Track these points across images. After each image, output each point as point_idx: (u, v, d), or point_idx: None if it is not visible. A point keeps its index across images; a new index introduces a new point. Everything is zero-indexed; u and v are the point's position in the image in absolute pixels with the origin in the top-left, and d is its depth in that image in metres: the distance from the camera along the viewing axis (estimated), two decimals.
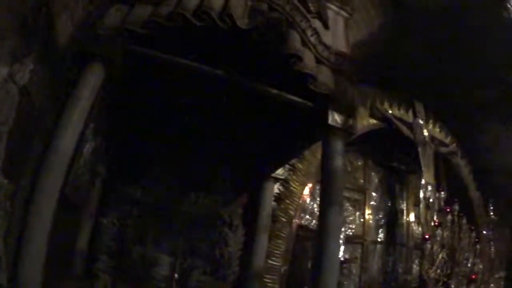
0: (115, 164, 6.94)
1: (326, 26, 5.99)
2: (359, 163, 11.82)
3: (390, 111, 11.14)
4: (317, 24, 5.87)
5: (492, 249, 11.02)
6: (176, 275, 7.07)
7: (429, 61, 10.23)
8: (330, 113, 5.66)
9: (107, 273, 7.04)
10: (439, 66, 10.38)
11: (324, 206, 5.73)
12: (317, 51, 5.64)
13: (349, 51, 6.22)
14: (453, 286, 9.37)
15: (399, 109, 11.39)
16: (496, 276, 10.49)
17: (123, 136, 6.76)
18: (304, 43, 5.54)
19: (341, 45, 6.11)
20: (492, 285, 10.14)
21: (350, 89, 6.09)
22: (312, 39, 5.64)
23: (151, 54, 5.12)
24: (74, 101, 4.48)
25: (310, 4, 5.86)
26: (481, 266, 10.11)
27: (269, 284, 8.31)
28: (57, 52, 4.35)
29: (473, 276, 9.55)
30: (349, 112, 5.84)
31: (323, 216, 5.68)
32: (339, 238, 6.08)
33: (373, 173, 12.09)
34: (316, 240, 6.08)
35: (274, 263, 8.46)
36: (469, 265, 9.76)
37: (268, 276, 8.26)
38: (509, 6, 6.77)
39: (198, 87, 5.97)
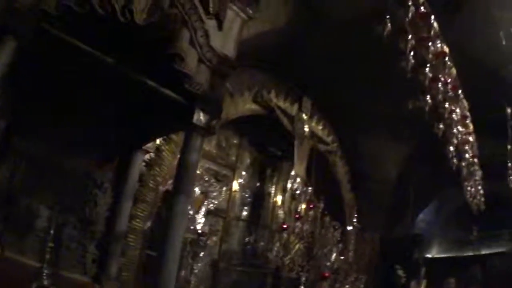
0: (13, 120, 7.10)
1: (220, 27, 6.43)
2: (235, 141, 12.25)
3: (275, 101, 11.65)
4: (211, 24, 6.29)
5: (351, 253, 11.77)
6: (51, 229, 7.21)
7: (329, 64, 10.88)
8: (196, 111, 6.15)
9: None
10: (339, 71, 11.11)
11: (174, 193, 6.29)
12: (202, 52, 6.09)
13: (235, 54, 6.67)
14: (304, 278, 9.99)
15: (284, 101, 11.95)
16: (353, 278, 11.10)
17: (21, 97, 6.99)
18: (192, 42, 5.97)
19: (229, 48, 6.58)
20: (347, 286, 10.73)
21: (222, 92, 6.68)
22: (201, 40, 6.07)
23: (58, 34, 5.41)
24: None
25: (211, 5, 6.24)
26: (342, 266, 10.75)
27: (132, 243, 8.84)
28: None
29: (326, 274, 10.03)
30: (214, 114, 6.37)
31: (172, 201, 6.25)
32: (185, 224, 6.58)
33: (246, 153, 12.59)
34: (164, 222, 6.69)
35: (138, 224, 8.99)
36: (328, 263, 10.25)
37: (131, 236, 8.78)
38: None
39: (91, 67, 6.26)
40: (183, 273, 9.52)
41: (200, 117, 6.21)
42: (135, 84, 6.36)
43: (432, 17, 6.55)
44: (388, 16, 6.33)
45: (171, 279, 6.10)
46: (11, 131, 7.19)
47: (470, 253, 19.21)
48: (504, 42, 8.31)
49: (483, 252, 18.87)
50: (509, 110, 8.76)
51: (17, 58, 4.98)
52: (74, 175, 7.90)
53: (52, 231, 7.14)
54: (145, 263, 9.25)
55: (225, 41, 6.58)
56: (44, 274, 6.76)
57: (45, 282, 6.66)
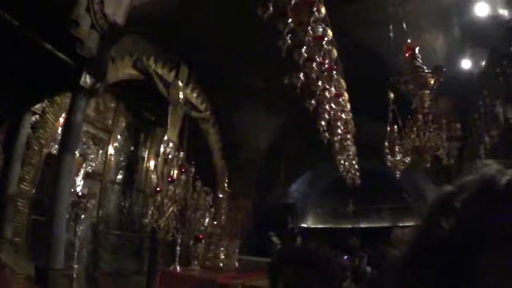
0: None
1: None
2: (112, 105, 12.45)
3: (154, 67, 11.90)
4: None
5: (223, 217, 11.91)
6: None
7: (209, 35, 11.29)
8: (84, 75, 6.46)
9: None
10: (218, 43, 11.53)
11: (61, 152, 6.64)
12: (96, 18, 6.35)
13: (124, 21, 7.00)
14: (179, 240, 10.26)
15: (162, 68, 12.24)
16: (227, 242, 11.17)
17: None
18: (88, 9, 6.22)
19: (119, 16, 6.88)
20: (222, 249, 10.81)
21: (108, 57, 7.07)
22: (96, 7, 6.31)
23: None
24: None
25: None
26: (215, 230, 11.10)
27: (21, 207, 8.90)
28: None
29: (200, 236, 10.28)
30: (100, 77, 6.70)
31: (59, 159, 6.58)
32: (70, 183, 6.99)
33: (122, 117, 12.83)
34: (52, 181, 6.91)
35: (25, 188, 9.02)
36: (202, 227, 10.53)
37: (20, 199, 8.84)
38: None
39: None
40: (66, 235, 9.55)
41: (86, 79, 6.53)
42: (29, 44, 6.52)
43: (318, 4, 7.00)
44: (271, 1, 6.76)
45: (61, 241, 6.53)
46: None
47: (349, 226, 20.17)
48: (391, 34, 8.95)
49: (362, 225, 19.87)
50: (391, 95, 9.44)
51: None
52: None
53: None
54: (33, 227, 9.32)
55: (117, 9, 6.85)
56: None
57: None
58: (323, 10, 7.15)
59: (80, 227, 9.90)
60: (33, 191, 9.35)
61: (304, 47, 6.92)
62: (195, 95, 13.40)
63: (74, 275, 8.70)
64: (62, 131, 7.25)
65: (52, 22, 6.16)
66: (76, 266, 9.10)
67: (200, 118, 13.66)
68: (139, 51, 11.45)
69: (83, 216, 9.85)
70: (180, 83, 12.61)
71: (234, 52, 11.76)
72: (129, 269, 12.10)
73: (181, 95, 12.53)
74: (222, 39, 11.32)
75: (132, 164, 13.22)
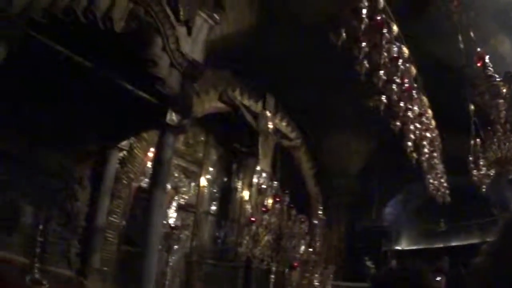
0: None
1: (189, 33, 6.78)
2: (201, 138, 12.57)
3: (240, 99, 12.03)
4: (181, 30, 6.64)
5: (318, 244, 11.80)
6: (39, 224, 7.34)
7: (291, 64, 11.36)
8: (169, 112, 6.51)
9: None
10: (300, 71, 11.62)
11: (152, 187, 6.66)
12: (173, 57, 6.43)
13: (203, 58, 7.02)
14: (274, 268, 10.23)
15: (249, 99, 12.36)
16: (322, 268, 11.23)
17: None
18: (164, 48, 6.33)
19: (198, 53, 6.93)
20: (316, 275, 10.81)
21: (192, 93, 7.08)
22: (172, 46, 6.41)
23: (40, 39, 5.68)
24: None
25: (181, 13, 6.59)
26: (311, 257, 10.95)
27: (110, 238, 9.16)
28: None
29: (295, 264, 10.24)
30: (185, 114, 6.73)
31: (150, 194, 6.63)
32: (162, 216, 7.32)
33: (213, 149, 12.90)
34: (143, 215, 7.02)
35: (115, 220, 9.31)
36: (297, 255, 10.43)
37: (109, 231, 9.08)
38: None
39: (71, 69, 6.48)
40: (159, 265, 9.60)
41: (172, 117, 6.55)
42: (113, 86, 6.65)
43: (390, 24, 6.86)
44: (342, 28, 6.66)
45: (152, 271, 6.46)
46: None
47: (440, 245, 19.67)
48: (462, 45, 8.75)
49: (453, 243, 19.35)
50: (472, 107, 9.16)
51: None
52: (55, 171, 8.04)
53: (41, 226, 7.31)
54: (122, 258, 9.51)
55: (194, 46, 6.90)
56: (36, 268, 6.92)
57: (37, 276, 6.84)
58: (395, 28, 7.03)
59: (173, 257, 9.96)
60: (123, 222, 9.63)
61: (382, 70, 6.82)
62: (284, 124, 13.41)
63: None
64: (152, 167, 7.20)
65: (132, 63, 6.24)
66: None
67: (291, 146, 13.65)
68: (223, 84, 11.65)
69: (176, 246, 9.94)
70: (268, 113, 12.69)
71: (318, 78, 11.81)
72: None
73: (270, 125, 12.63)
74: (304, 66, 11.37)
75: (225, 195, 13.22)
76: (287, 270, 10.28)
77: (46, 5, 5.31)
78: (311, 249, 11.05)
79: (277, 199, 11.12)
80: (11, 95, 7.18)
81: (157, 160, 6.80)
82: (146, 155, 9.99)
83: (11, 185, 7.59)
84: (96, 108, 7.76)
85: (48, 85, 7.25)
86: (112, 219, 9.23)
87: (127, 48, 6.16)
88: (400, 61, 7.11)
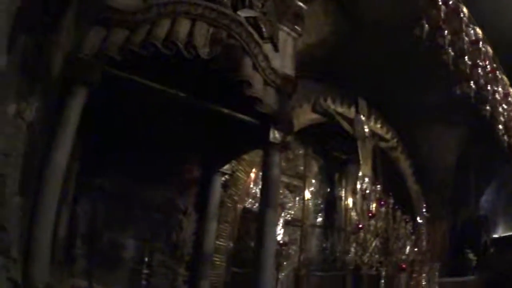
0: (86, 160, 7.32)
1: (276, 49, 6.60)
2: (300, 152, 12.29)
3: (333, 107, 11.75)
4: (267, 47, 6.47)
5: (424, 242, 11.51)
6: (143, 257, 7.61)
7: (376, 64, 10.97)
8: (271, 131, 6.34)
9: (84, 257, 7.52)
10: (386, 70, 11.13)
11: (263, 208, 6.47)
12: (266, 75, 6.27)
13: (294, 72, 6.83)
14: (384, 273, 9.95)
15: (341, 105, 12.03)
16: (428, 267, 10.79)
17: (94, 137, 7.22)
18: (255, 67, 6.16)
19: (288, 67, 6.74)
20: (424, 275, 10.44)
21: (290, 108, 6.97)
22: (263, 64, 6.25)
23: (124, 76, 5.67)
24: (64, 123, 5.05)
25: (263, 30, 6.42)
26: (417, 256, 10.58)
27: (218, 262, 9.04)
28: (52, 83, 5.01)
29: (404, 266, 9.91)
30: (287, 130, 6.55)
31: (261, 216, 6.43)
32: (275, 235, 7.05)
33: (313, 161, 12.62)
34: (256, 236, 6.83)
35: (222, 243, 9.18)
36: (403, 256, 10.19)
37: (217, 255, 8.96)
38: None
39: (162, 102, 6.65)
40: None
41: (275, 135, 6.41)
42: (209, 112, 6.68)
43: (461, 8, 6.55)
44: (423, 20, 6.34)
45: None
46: (88, 170, 7.42)
47: None
48: None
49: None
50: None
51: (89, 104, 5.29)
52: (158, 204, 8.17)
53: (146, 259, 7.50)
54: (230, 281, 9.40)
55: (283, 61, 6.73)
56: None
57: None
58: (465, 10, 6.70)
59: (282, 274, 9.86)
60: (230, 245, 9.53)
61: (466, 55, 6.48)
62: (379, 125, 12.98)
63: None
64: (261, 188, 7.13)
65: (226, 87, 6.22)
66: None
67: (389, 147, 13.24)
68: (314, 95, 11.49)
69: (285, 263, 9.84)
70: (362, 117, 12.31)
71: (403, 74, 11.40)
72: None
73: (366, 129, 12.24)
74: (387, 65, 10.99)
75: (330, 205, 12.99)
76: (394, 273, 9.97)
77: (121, 43, 5.33)
78: (416, 249, 10.72)
79: (382, 203, 10.92)
80: (108, 135, 7.31)
81: (265, 180, 6.67)
82: (248, 176, 9.97)
83: (113, 223, 7.76)
84: (196, 137, 7.93)
85: (144, 120, 7.42)
86: (219, 243, 9.15)
87: (218, 73, 6.08)
88: (480, 43, 6.79)
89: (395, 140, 13.42)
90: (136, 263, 7.73)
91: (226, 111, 6.55)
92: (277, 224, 7.15)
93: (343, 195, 13.11)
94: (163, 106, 6.84)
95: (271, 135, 6.39)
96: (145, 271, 7.43)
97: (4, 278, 4.20)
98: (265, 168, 6.68)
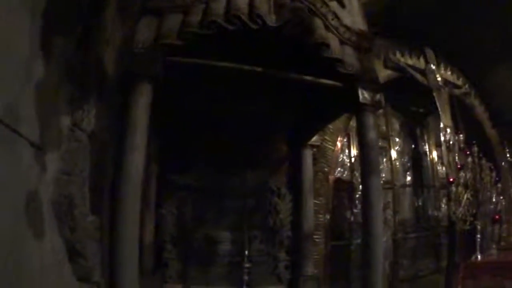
0: (165, 159, 7.15)
1: (342, 5, 6.00)
2: (380, 111, 11.39)
3: (403, 60, 11.09)
4: (334, 5, 5.87)
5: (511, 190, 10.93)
6: (242, 249, 7.33)
7: (437, 10, 10.33)
8: (360, 91, 5.79)
9: (176, 259, 7.27)
10: (448, 14, 10.42)
11: (365, 175, 5.98)
12: (340, 33, 5.71)
13: (366, 26, 6.27)
14: (479, 226, 9.48)
15: (411, 57, 11.36)
16: None
17: (168, 133, 6.98)
18: (327, 28, 5.61)
19: (359, 22, 6.16)
20: None
21: (373, 64, 6.33)
22: (334, 22, 5.69)
23: (189, 62, 5.20)
24: (132, 124, 4.60)
25: None
26: (503, 204, 10.19)
27: (317, 239, 8.62)
28: (108, 85, 4.52)
29: (497, 216, 9.60)
30: (375, 88, 5.98)
31: (365, 184, 5.96)
32: (381, 201, 6.32)
33: (393, 120, 11.97)
34: (362, 205, 6.56)
35: (319, 219, 8.78)
36: (492, 206, 9.80)
37: (316, 232, 8.56)
38: None
39: (235, 81, 6.19)
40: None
41: (364, 95, 5.89)
42: (290, 84, 6.40)
43: None
44: None
45: (379, 261, 5.83)
46: (169, 170, 7.35)
47: None
48: None
49: None
50: None
51: (158, 99, 4.92)
52: (249, 190, 7.85)
53: (246, 251, 7.17)
54: (330, 255, 8.99)
55: (352, 17, 6.16)
56: None
57: None
58: None
59: (383, 240, 9.14)
60: (327, 219, 9.14)
61: None
62: (449, 73, 12.17)
63: None
64: (359, 154, 6.96)
65: (303, 53, 5.77)
66: None
67: (462, 93, 12.38)
68: (382, 51, 10.90)
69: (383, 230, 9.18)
70: (432, 66, 11.58)
71: (463, 16, 10.61)
72: (427, 269, 11.09)
73: (438, 78, 11.51)
74: (447, 8, 10.34)
75: (416, 162, 12.29)
76: (487, 225, 9.75)
77: (177, 27, 4.93)
78: (502, 197, 10.41)
79: (467, 153, 10.47)
80: (184, 129, 7.24)
81: (362, 145, 6.17)
82: (335, 145, 9.56)
83: (203, 218, 7.55)
84: (280, 113, 7.70)
85: (221, 106, 7.21)
86: (317, 218, 8.70)
87: (290, 40, 5.56)
88: None
89: (467, 85, 12.63)
90: (234, 256, 7.45)
91: (308, 78, 6.01)
92: (381, 192, 6.51)
93: (427, 150, 12.51)
94: (239, 87, 6.46)
95: (360, 96, 5.85)
96: (246, 263, 7.05)
97: None
98: (360, 132, 6.16)
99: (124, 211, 4.35)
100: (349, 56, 5.72)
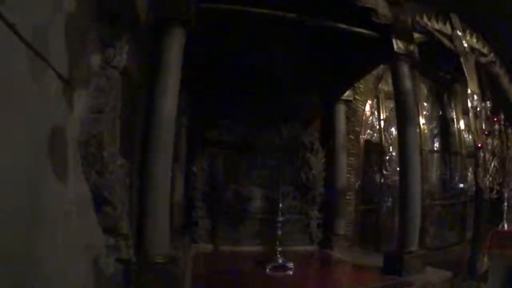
0: (195, 113, 7.10)
1: None
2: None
3: (430, 24, 10.44)
4: None
5: None
6: (272, 205, 7.15)
7: None
8: (394, 41, 5.88)
9: (206, 218, 7.22)
10: None
11: (401, 124, 6.06)
12: None
13: None
14: (506, 194, 9.45)
15: (437, 22, 10.66)
16: None
17: (199, 85, 6.89)
18: None
19: None
20: None
21: (405, 17, 6.52)
22: None
23: (223, 8, 5.10)
24: (165, 67, 4.49)
25: None
26: None
27: (348, 200, 8.53)
28: (140, 26, 4.39)
29: None
30: (409, 38, 6.20)
31: (402, 132, 6.03)
32: (418, 149, 6.35)
33: (422, 85, 11.70)
34: (399, 154, 6.33)
35: (350, 179, 8.69)
36: None
37: (348, 192, 8.50)
38: None
39: (268, 31, 6.05)
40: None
41: (399, 45, 5.98)
42: (324, 32, 6.19)
43: None
44: None
45: (416, 222, 5.97)
46: (199, 124, 7.39)
47: None
48: None
49: None
50: None
51: (189, 49, 4.82)
52: (281, 146, 7.80)
53: (281, 205, 6.73)
54: (360, 219, 9.01)
55: None
56: (278, 252, 6.35)
57: (280, 261, 6.28)
58: None
59: None
60: (358, 181, 9.10)
61: None
62: (475, 40, 11.69)
63: None
64: (395, 104, 6.61)
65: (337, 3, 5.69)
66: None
67: (488, 61, 11.86)
68: (409, 14, 10.38)
69: None
70: (459, 33, 11.01)
71: None
72: (453, 238, 11.12)
73: (465, 44, 10.90)
74: None
75: (444, 128, 12.16)
76: None
77: None
78: None
79: (495, 119, 10.16)
80: (216, 82, 7.14)
81: (398, 93, 6.28)
82: (365, 106, 9.38)
83: (235, 175, 7.57)
84: (314, 64, 7.44)
85: (253, 57, 6.94)
86: (348, 178, 8.62)
87: None
88: None
89: (492, 54, 12.24)
90: (265, 213, 7.43)
91: (342, 26, 5.95)
92: (418, 139, 6.56)
93: (454, 116, 12.36)
94: (273, 37, 6.34)
95: (395, 46, 5.95)
96: (279, 219, 6.62)
97: (111, 261, 3.62)
98: (396, 82, 6.26)
99: (156, 159, 4.26)
100: (382, 7, 5.76)
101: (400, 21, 6.10)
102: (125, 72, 3.75)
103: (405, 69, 6.15)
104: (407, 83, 6.17)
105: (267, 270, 6.07)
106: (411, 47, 6.19)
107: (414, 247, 5.83)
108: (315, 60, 7.35)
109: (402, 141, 6.03)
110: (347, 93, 8.33)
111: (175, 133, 4.75)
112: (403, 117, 6.05)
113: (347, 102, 8.48)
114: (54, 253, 2.59)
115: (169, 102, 4.42)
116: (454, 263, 10.42)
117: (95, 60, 3.37)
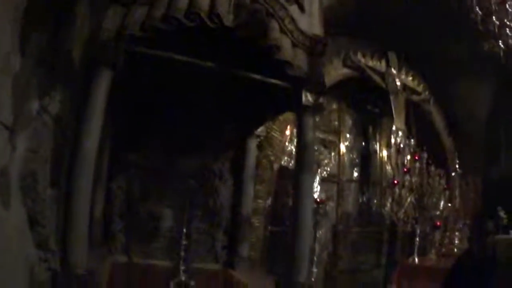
0: (119, 137, 7.40)
1: (302, 9, 6.26)
2: (334, 107, 12.12)
3: (363, 61, 11.48)
4: (293, 9, 6.14)
5: (457, 199, 11.78)
6: (180, 226, 7.60)
7: (405, 18, 10.74)
8: (304, 93, 6.09)
9: (121, 232, 7.60)
10: (416, 23, 10.90)
11: (298, 173, 6.27)
12: (294, 37, 5.98)
13: (323, 31, 6.53)
14: (419, 230, 10.00)
15: (372, 59, 11.75)
16: (461, 224, 11.14)
17: (124, 114, 7.30)
18: (282, 31, 5.88)
19: (316, 26, 6.44)
20: (457, 233, 10.88)
21: (321, 69, 6.57)
22: (290, 26, 5.96)
23: (149, 52, 5.48)
24: (89, 108, 4.86)
25: None
26: (450, 213, 10.88)
27: (256, 223, 9.07)
28: (74, 73, 4.90)
29: (438, 223, 10.10)
30: (319, 91, 6.27)
31: (297, 180, 6.23)
32: (312, 198, 7.03)
33: (347, 116, 12.36)
34: (292, 202, 6.76)
35: (259, 204, 9.22)
36: (437, 212, 10.31)
37: (255, 216, 8.98)
38: None
39: (189, 73, 6.47)
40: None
41: (307, 97, 6.18)
42: (240, 79, 6.54)
43: None
44: None
45: (306, 254, 6.19)
46: (121, 146, 7.62)
47: None
48: None
49: None
50: None
51: (117, 82, 5.13)
52: (194, 172, 8.14)
53: (185, 229, 7.44)
54: (268, 240, 9.58)
55: (310, 21, 6.41)
56: (181, 270, 7.03)
57: (183, 278, 6.93)
58: None
59: (320, 232, 9.94)
60: (268, 204, 9.65)
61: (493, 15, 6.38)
62: (410, 78, 12.66)
63: (313, 279, 9.10)
64: (296, 152, 6.97)
65: (254, 53, 5.98)
66: (315, 270, 9.42)
67: (421, 100, 12.92)
68: (344, 50, 11.37)
69: (322, 221, 9.97)
70: (393, 71, 12.06)
71: (431, 28, 11.15)
72: (367, 264, 11.74)
73: (397, 82, 12.00)
74: (415, 19, 10.87)
75: (365, 159, 12.83)
76: (429, 230, 10.32)
77: (141, 19, 5.15)
78: (450, 205, 11.02)
79: (416, 157, 11.03)
80: (139, 110, 7.52)
81: (300, 144, 6.44)
82: (283, 135, 9.98)
83: (149, 195, 7.84)
84: (229, 104, 7.87)
85: (174, 93, 7.41)
86: (256, 204, 9.14)
87: (245, 39, 5.77)
88: (508, 3, 6.58)
89: (426, 92, 13.11)
90: (174, 232, 7.76)
91: (257, 77, 6.35)
92: (313, 187, 7.09)
93: (377, 148, 12.97)
94: (193, 77, 6.70)
95: (303, 98, 6.16)
96: (184, 242, 7.38)
97: (43, 270, 4.22)
98: (299, 132, 6.49)
99: (77, 187, 4.66)
100: (300, 59, 6.01)
101: (314, 73, 6.22)
102: (57, 117, 4.31)
103: (309, 121, 6.37)
104: (309, 135, 6.37)
105: (172, 286, 6.78)
106: (320, 100, 6.37)
107: (302, 278, 6.00)
108: (230, 102, 7.82)
109: (297, 190, 6.24)
110: (260, 129, 8.72)
111: (98, 156, 5.11)
112: (301, 167, 6.28)
113: (260, 136, 8.86)
114: None
115: (91, 138, 4.79)
116: (365, 286, 11.20)
117: (35, 105, 3.87)
